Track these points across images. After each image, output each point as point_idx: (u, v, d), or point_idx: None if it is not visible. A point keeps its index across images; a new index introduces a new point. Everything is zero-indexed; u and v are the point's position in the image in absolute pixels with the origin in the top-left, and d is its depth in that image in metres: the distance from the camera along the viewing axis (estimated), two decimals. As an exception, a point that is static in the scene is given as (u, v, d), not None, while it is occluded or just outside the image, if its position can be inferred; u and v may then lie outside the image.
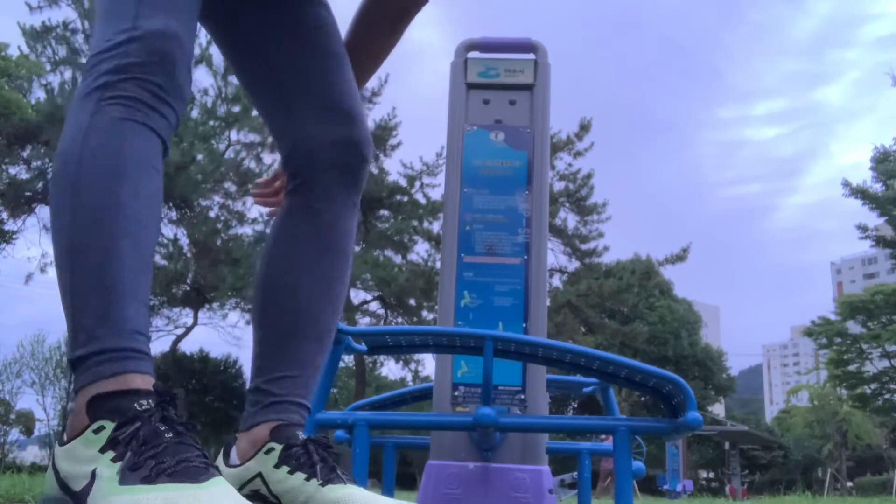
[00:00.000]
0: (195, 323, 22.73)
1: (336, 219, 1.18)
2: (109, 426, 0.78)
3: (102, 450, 0.78)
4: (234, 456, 1.11)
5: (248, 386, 1.16)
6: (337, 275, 1.18)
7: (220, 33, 1.25)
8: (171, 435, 0.77)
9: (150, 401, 0.80)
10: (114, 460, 0.76)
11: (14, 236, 17.86)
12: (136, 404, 0.79)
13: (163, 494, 0.70)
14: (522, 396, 1.92)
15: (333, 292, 1.17)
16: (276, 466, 1.04)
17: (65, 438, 0.83)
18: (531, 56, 2.15)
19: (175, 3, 0.98)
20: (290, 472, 1.03)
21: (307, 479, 1.01)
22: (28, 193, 17.46)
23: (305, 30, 1.23)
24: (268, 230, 1.29)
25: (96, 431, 0.79)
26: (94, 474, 0.77)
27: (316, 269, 1.16)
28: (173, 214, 18.06)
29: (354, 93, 1.24)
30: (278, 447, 1.05)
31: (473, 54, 2.18)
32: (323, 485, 1.00)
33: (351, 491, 0.99)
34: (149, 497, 0.70)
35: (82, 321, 0.85)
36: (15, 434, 26.03)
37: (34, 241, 20.72)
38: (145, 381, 0.83)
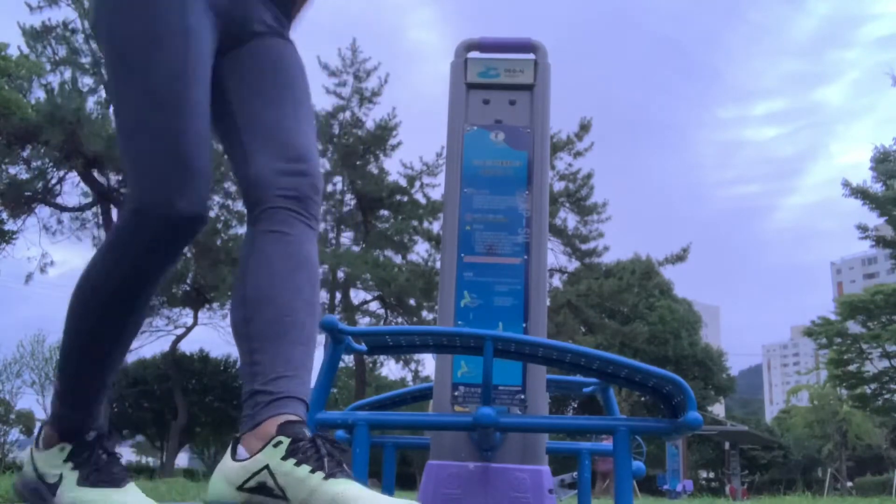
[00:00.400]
0: (195, 323, 22.76)
1: (298, 240, 1.27)
2: (69, 447, 1.29)
3: (65, 461, 1.28)
4: (241, 451, 1.14)
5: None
6: (312, 287, 1.27)
7: None
8: (105, 457, 1.28)
9: (93, 433, 1.30)
10: (72, 469, 1.27)
11: (14, 236, 17.87)
12: (86, 434, 1.29)
13: (98, 494, 1.23)
14: (522, 396, 1.92)
15: (311, 302, 1.25)
16: (284, 459, 1.07)
17: (40, 445, 1.32)
18: (531, 56, 2.15)
19: (205, 103, 1.19)
20: (297, 465, 1.06)
21: (312, 471, 1.05)
22: (28, 193, 17.46)
23: (266, 72, 1.33)
24: None
25: (61, 450, 1.29)
26: (61, 476, 1.27)
27: (293, 283, 1.24)
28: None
29: (308, 133, 1.35)
30: (286, 440, 1.09)
31: (473, 54, 2.18)
32: (327, 478, 1.04)
33: (353, 486, 1.04)
34: (92, 497, 1.23)
35: (62, 406, 1.30)
36: (15, 434, 26.11)
37: (34, 241, 20.72)
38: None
